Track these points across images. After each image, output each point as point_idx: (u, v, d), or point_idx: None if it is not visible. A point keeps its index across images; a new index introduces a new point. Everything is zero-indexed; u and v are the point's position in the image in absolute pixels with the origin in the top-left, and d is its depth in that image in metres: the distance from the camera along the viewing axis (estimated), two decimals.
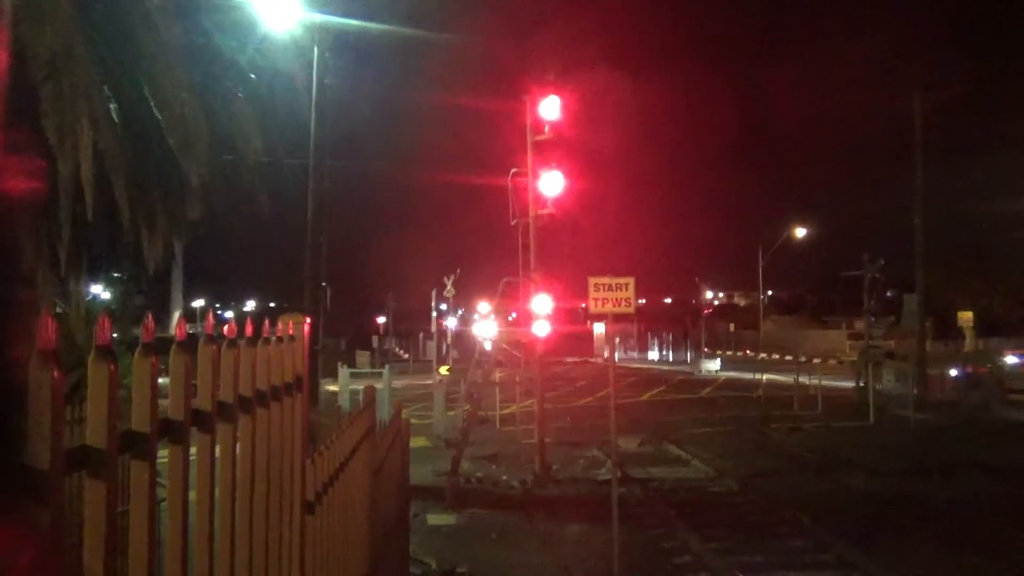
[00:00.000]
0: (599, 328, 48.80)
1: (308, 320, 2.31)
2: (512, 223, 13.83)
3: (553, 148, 13.37)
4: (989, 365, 23.55)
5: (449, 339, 39.84)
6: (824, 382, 23.51)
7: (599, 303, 8.37)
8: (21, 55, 6.03)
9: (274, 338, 1.98)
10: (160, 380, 1.31)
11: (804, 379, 24.14)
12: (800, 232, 43.39)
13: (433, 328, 36.65)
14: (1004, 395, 21.79)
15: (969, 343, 36.03)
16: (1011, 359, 26.17)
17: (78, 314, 7.77)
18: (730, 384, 32.51)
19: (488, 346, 16.86)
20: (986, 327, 38.92)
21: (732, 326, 65.76)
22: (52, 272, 7.04)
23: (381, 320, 57.04)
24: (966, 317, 33.62)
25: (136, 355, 1.27)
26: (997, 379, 22.62)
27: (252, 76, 9.03)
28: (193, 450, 1.49)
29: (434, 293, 35.92)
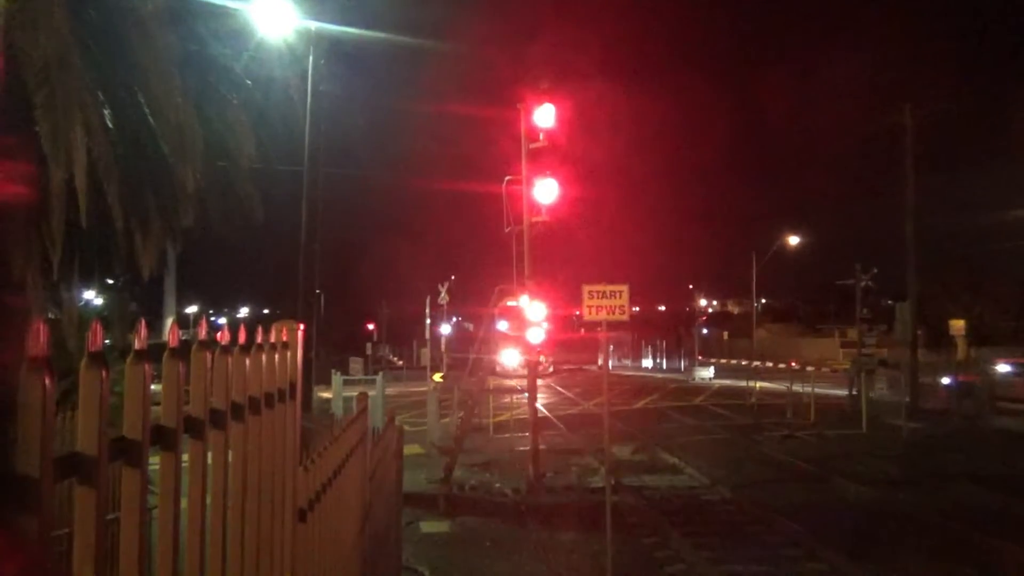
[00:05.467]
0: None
1: (302, 327, 2.30)
2: (506, 230, 13.83)
3: (548, 156, 13.37)
4: (980, 374, 23.64)
5: (443, 346, 39.76)
6: (817, 390, 23.54)
7: (593, 311, 8.38)
8: (15, 61, 6.02)
9: (268, 345, 1.97)
10: (153, 387, 1.31)
11: (797, 387, 24.17)
12: (794, 241, 43.48)
13: (427, 335, 36.58)
14: (995, 404, 21.87)
15: (961, 352, 36.12)
16: (1002, 368, 26.27)
17: (70, 320, 7.73)
18: (724, 392, 32.56)
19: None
20: (977, 337, 39.04)
21: (726, 334, 65.91)
22: (44, 278, 7.00)
23: (372, 327, 56.90)
24: (958, 326, 33.69)
25: (128, 361, 1.27)
26: (988, 388, 22.71)
27: (247, 83, 9.05)
28: (185, 457, 1.48)
29: (428, 300, 35.87)
